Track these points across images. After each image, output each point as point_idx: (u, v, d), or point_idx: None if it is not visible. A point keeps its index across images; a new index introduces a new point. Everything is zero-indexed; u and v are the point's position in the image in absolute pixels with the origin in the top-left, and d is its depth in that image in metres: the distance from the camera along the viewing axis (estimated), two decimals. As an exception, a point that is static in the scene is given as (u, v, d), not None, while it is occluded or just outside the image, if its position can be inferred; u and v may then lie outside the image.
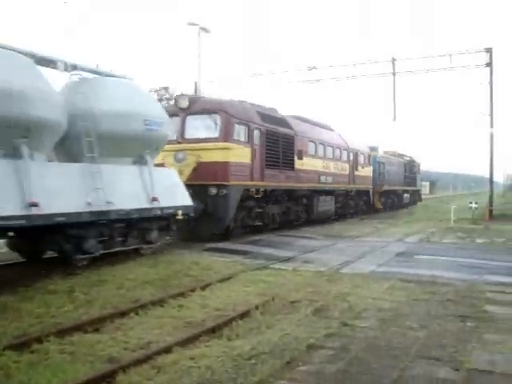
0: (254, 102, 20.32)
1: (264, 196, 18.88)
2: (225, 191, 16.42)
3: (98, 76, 12.99)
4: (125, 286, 9.86)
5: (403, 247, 16.79)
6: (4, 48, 10.41)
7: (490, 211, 29.49)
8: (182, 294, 9.38)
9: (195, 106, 17.39)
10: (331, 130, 27.82)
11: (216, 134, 16.83)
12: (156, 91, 41.13)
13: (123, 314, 8.03)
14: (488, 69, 30.48)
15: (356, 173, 29.30)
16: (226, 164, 16.60)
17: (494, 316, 8.12)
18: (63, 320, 7.72)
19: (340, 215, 27.62)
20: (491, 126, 30.43)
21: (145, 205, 12.53)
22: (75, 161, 11.65)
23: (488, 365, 5.92)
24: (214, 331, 7.24)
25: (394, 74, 33.20)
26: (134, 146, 12.90)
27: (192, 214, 14.66)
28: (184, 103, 17.40)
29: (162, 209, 13.09)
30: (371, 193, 32.84)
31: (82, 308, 8.40)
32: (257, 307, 8.34)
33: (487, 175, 32.13)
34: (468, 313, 8.23)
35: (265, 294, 9.50)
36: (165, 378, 5.51)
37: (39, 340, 6.59)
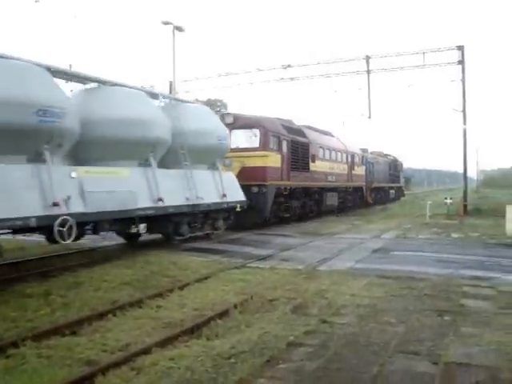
0: (278, 117, 24.75)
1: (289, 193, 23.12)
2: (264, 189, 20.63)
3: (180, 102, 16.64)
4: (102, 288, 9.78)
5: (380, 243, 16.92)
6: (128, 87, 14.70)
7: (465, 206, 29.86)
8: (160, 295, 9.34)
9: (238, 122, 21.43)
10: (332, 136, 32.58)
11: (256, 144, 21.07)
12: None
13: (101, 316, 7.95)
14: (460, 66, 30.87)
15: (353, 172, 33.92)
16: (264, 168, 20.89)
17: (471, 309, 8.24)
18: (40, 324, 7.62)
19: (341, 208, 31.86)
20: (464, 123, 30.77)
21: (218, 200, 16.14)
22: (169, 168, 15.33)
23: (465, 357, 5.99)
24: (193, 331, 7.22)
25: (368, 71, 33.39)
26: (210, 156, 17.07)
27: (245, 207, 18.53)
28: (229, 119, 21.19)
29: (228, 203, 17.29)
30: (364, 189, 37.45)
31: (59, 311, 8.31)
32: (235, 306, 8.34)
33: (461, 171, 32.51)
34: (445, 307, 8.34)
35: (243, 292, 9.50)
36: (144, 379, 5.47)
37: (15, 344, 6.48)
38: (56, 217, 10.48)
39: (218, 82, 36.59)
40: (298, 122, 27.31)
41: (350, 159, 33.23)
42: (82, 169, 12.01)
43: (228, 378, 5.39)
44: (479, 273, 11.53)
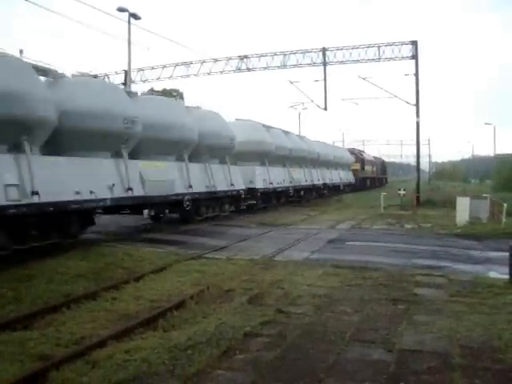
0: (354, 147, 68.82)
1: (361, 179, 56.72)
2: (356, 178, 53.01)
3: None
4: (55, 280, 9.57)
5: (335, 234, 17.12)
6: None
7: (417, 198, 30.49)
8: (115, 287, 9.21)
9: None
10: (365, 152, 68.80)
11: (354, 160, 53.54)
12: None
13: (54, 309, 7.80)
14: (414, 60, 31.43)
15: (373, 169, 65.47)
16: (357, 170, 55.41)
17: (423, 298, 8.44)
18: (-11, 318, 7.39)
19: (371, 186, 62.13)
20: (417, 116, 31.40)
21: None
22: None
23: (418, 345, 6.13)
24: (149, 323, 7.15)
25: (324, 63, 33.62)
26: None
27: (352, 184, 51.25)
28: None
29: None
30: (376, 179, 68.12)
31: (10, 305, 8.10)
32: (192, 297, 8.31)
33: (414, 163, 33.29)
34: (399, 296, 8.50)
35: (199, 283, 9.47)
36: (100, 373, 5.36)
37: (-37, 341, 6.30)
38: None
39: (174, 71, 36.25)
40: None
41: (371, 163, 65.31)
42: None
43: (185, 370, 5.35)
44: (431, 262, 11.83)
